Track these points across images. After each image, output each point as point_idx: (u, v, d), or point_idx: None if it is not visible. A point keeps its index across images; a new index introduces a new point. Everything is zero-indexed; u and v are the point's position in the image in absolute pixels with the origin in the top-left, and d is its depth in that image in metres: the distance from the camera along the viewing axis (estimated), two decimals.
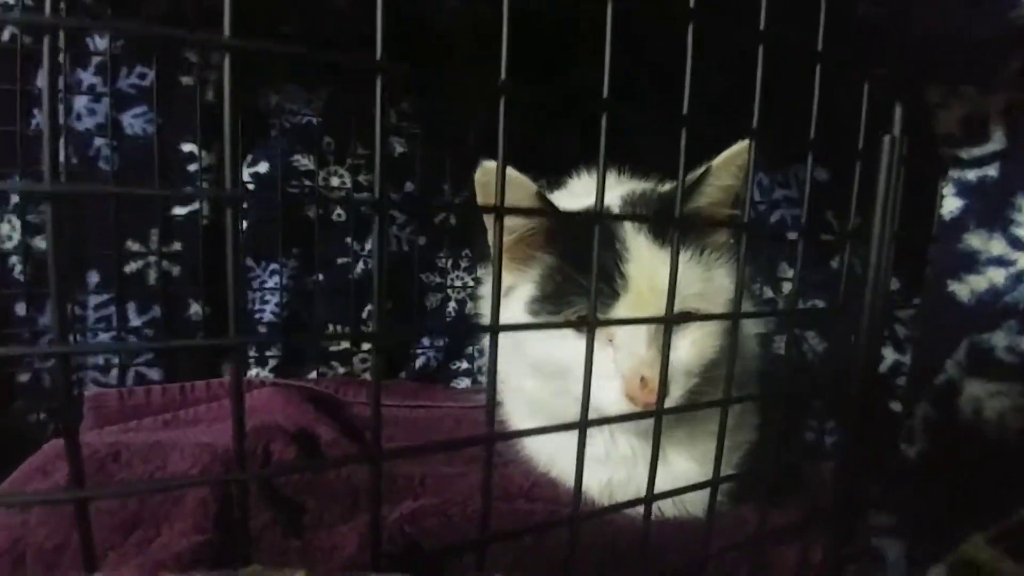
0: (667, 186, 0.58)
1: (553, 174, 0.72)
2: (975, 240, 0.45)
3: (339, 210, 0.91)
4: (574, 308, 0.48)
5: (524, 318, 0.51)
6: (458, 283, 1.01)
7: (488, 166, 0.45)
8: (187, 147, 0.80)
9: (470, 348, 1.01)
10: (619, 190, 0.59)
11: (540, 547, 0.44)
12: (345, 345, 0.93)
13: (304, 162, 0.88)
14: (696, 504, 0.55)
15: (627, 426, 0.54)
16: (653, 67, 0.79)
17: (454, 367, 1.01)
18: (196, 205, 0.81)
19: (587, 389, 0.34)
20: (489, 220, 0.51)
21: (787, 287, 0.85)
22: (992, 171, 0.47)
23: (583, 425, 0.35)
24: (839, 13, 0.38)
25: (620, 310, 0.47)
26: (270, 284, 0.88)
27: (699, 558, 0.44)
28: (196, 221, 0.81)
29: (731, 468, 0.59)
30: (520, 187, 0.46)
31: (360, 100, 0.89)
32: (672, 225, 0.35)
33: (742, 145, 0.47)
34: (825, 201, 0.75)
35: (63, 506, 0.53)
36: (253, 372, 0.88)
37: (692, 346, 0.48)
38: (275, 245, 0.86)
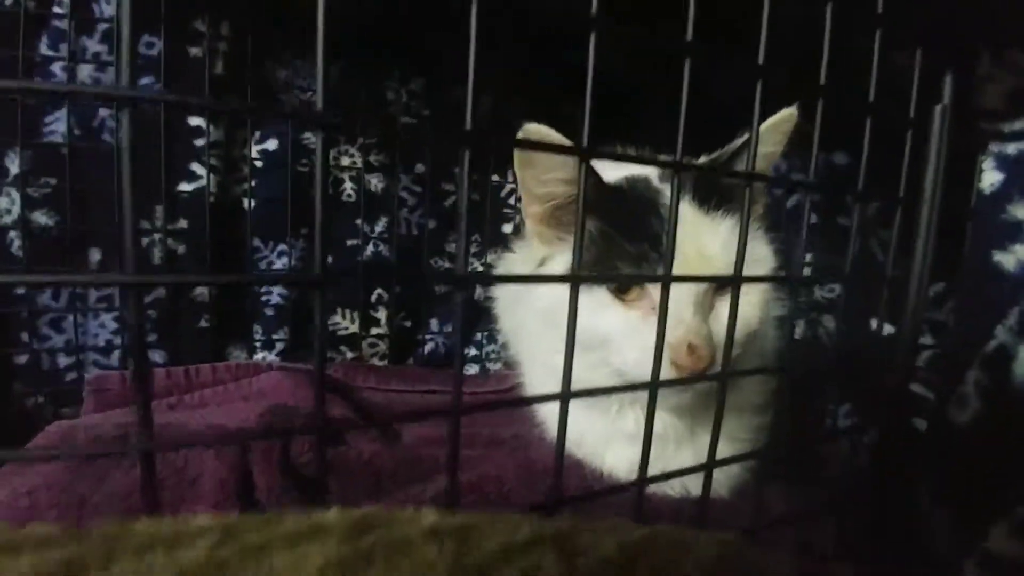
0: (703, 159, 0.57)
1: None
2: (1020, 211, 0.45)
3: (349, 191, 0.89)
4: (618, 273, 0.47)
5: (564, 289, 0.50)
6: (468, 269, 0.99)
7: (531, 128, 0.44)
8: (194, 121, 0.77)
9: (478, 335, 1.00)
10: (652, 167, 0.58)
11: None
12: (354, 330, 0.90)
13: (314, 140, 0.85)
14: (721, 483, 0.55)
15: (661, 403, 0.53)
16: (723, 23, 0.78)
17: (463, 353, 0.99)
18: (203, 182, 0.78)
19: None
20: (524, 188, 0.50)
21: (805, 272, 0.85)
22: None
23: (654, 385, 0.33)
24: None
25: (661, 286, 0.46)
26: (278, 265, 0.85)
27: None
28: (203, 198, 0.78)
29: (757, 446, 0.59)
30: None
31: (372, 73, 0.87)
32: (745, 179, 0.34)
33: (788, 112, 0.46)
34: (845, 184, 0.75)
35: (70, 493, 0.50)
36: (260, 356, 0.85)
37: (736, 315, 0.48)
38: (283, 225, 0.83)
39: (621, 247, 0.47)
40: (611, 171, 0.60)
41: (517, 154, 0.46)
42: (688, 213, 0.47)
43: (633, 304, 0.47)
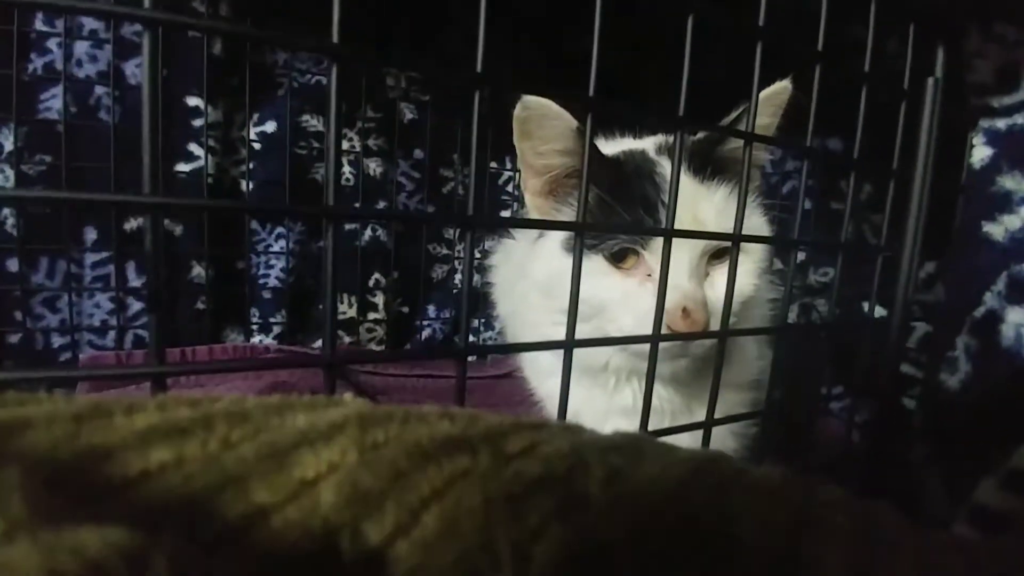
0: (699, 135, 0.58)
1: None
2: (1008, 182, 0.47)
3: (348, 175, 0.89)
4: (615, 241, 0.48)
5: (559, 256, 0.51)
6: (465, 254, 0.99)
7: (529, 100, 0.44)
8: (192, 101, 0.76)
9: (476, 321, 1.00)
10: (649, 140, 0.59)
11: None
12: (352, 315, 0.90)
13: (313, 123, 0.86)
14: None
15: (658, 375, 0.54)
16: None
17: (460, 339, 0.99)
18: (200, 163, 0.78)
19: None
20: (523, 160, 0.51)
21: (800, 256, 0.86)
22: (1021, 119, 0.48)
23: (655, 339, 0.34)
24: None
25: (663, 241, 0.47)
26: (276, 248, 0.85)
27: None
28: (201, 179, 0.78)
29: (753, 424, 0.59)
30: (560, 121, 0.45)
31: (371, 61, 0.87)
32: (746, 138, 0.35)
33: (782, 84, 0.47)
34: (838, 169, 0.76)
35: None
36: (257, 339, 0.85)
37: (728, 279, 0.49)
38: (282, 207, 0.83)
39: (619, 215, 0.47)
40: (608, 147, 0.61)
41: (516, 126, 0.46)
42: (684, 182, 0.48)
43: (629, 272, 0.48)
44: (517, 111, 0.45)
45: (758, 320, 0.58)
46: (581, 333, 0.53)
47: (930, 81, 0.45)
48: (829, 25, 0.37)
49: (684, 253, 0.45)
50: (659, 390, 0.55)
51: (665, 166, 0.51)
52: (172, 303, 0.77)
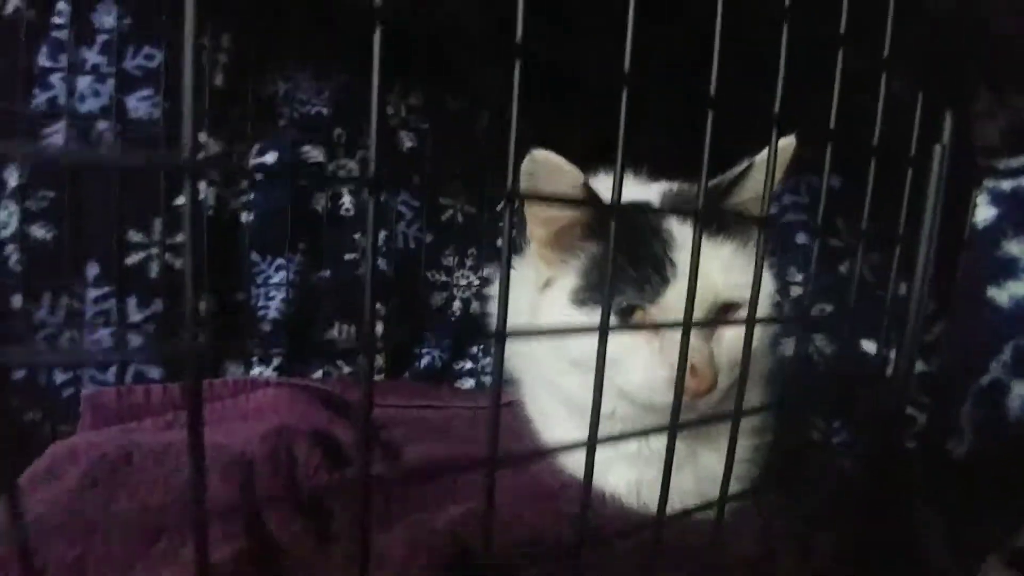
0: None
1: None
2: (1014, 248, 0.47)
3: (347, 204, 0.89)
4: (622, 296, 0.48)
5: (568, 309, 0.51)
6: (463, 282, 0.99)
7: (538, 155, 0.44)
8: None
9: (475, 348, 1.00)
10: (654, 189, 0.59)
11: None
12: (351, 344, 0.90)
13: (314, 153, 0.85)
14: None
15: (658, 420, 0.54)
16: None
17: (458, 367, 0.99)
18: (201, 195, 0.77)
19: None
20: (530, 211, 0.51)
21: (795, 291, 0.87)
22: None
23: (673, 428, 0.34)
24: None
25: (671, 297, 0.47)
26: (276, 280, 0.85)
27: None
28: (201, 211, 0.77)
29: (756, 466, 0.60)
30: (568, 176, 0.46)
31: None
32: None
33: (785, 141, 0.47)
34: (836, 207, 0.77)
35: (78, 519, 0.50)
36: (256, 371, 0.84)
37: (737, 338, 0.48)
38: (282, 239, 0.83)
39: (624, 270, 0.48)
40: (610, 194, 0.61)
41: (524, 176, 0.46)
42: (690, 238, 0.49)
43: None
44: (525, 164, 0.45)
45: (763, 367, 0.59)
46: (586, 385, 0.54)
47: (937, 148, 0.45)
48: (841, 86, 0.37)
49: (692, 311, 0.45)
50: (662, 437, 0.55)
51: (672, 221, 0.51)
52: (171, 339, 0.76)
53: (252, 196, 0.82)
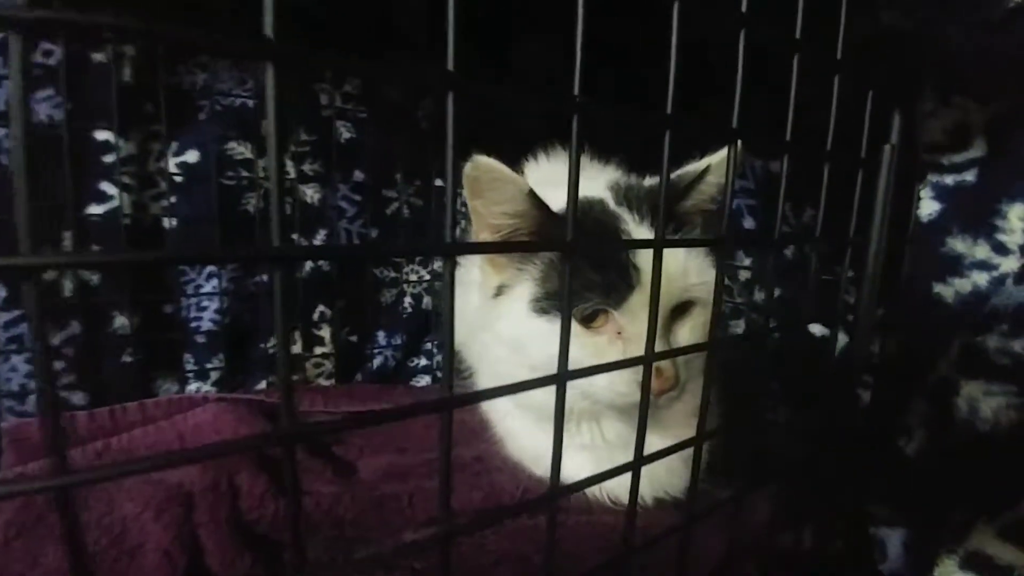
0: (651, 180, 0.57)
1: (509, 155, 0.68)
2: (959, 245, 0.48)
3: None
4: (587, 302, 0.47)
5: (527, 318, 0.49)
6: (413, 277, 0.95)
7: (480, 162, 0.42)
8: (102, 135, 0.68)
9: (429, 344, 0.97)
10: (601, 180, 0.57)
11: None
12: (296, 351, 0.86)
13: (240, 150, 0.79)
14: (676, 486, 0.56)
15: (620, 415, 0.54)
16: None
17: (413, 364, 0.96)
18: (115, 202, 0.70)
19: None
20: (475, 216, 0.48)
21: (743, 275, 0.87)
22: (970, 176, 0.49)
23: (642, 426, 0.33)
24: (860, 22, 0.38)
25: (635, 301, 0.46)
26: (207, 288, 0.79)
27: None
28: (116, 221, 0.70)
29: (706, 452, 0.61)
30: (511, 184, 0.44)
31: (304, 79, 0.81)
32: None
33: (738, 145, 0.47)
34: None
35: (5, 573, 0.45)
36: (193, 387, 0.79)
37: (692, 333, 0.49)
38: (211, 244, 0.77)
39: (588, 276, 0.46)
40: (558, 191, 0.59)
41: (467, 185, 0.44)
42: (646, 236, 0.48)
43: (599, 330, 0.48)
44: (467, 170, 0.43)
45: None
46: (550, 388, 0.52)
47: (886, 148, 0.45)
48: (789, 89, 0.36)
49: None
50: (615, 425, 0.55)
51: (629, 222, 0.50)
52: (94, 360, 0.70)
53: (173, 200, 0.75)
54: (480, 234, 0.50)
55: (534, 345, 0.49)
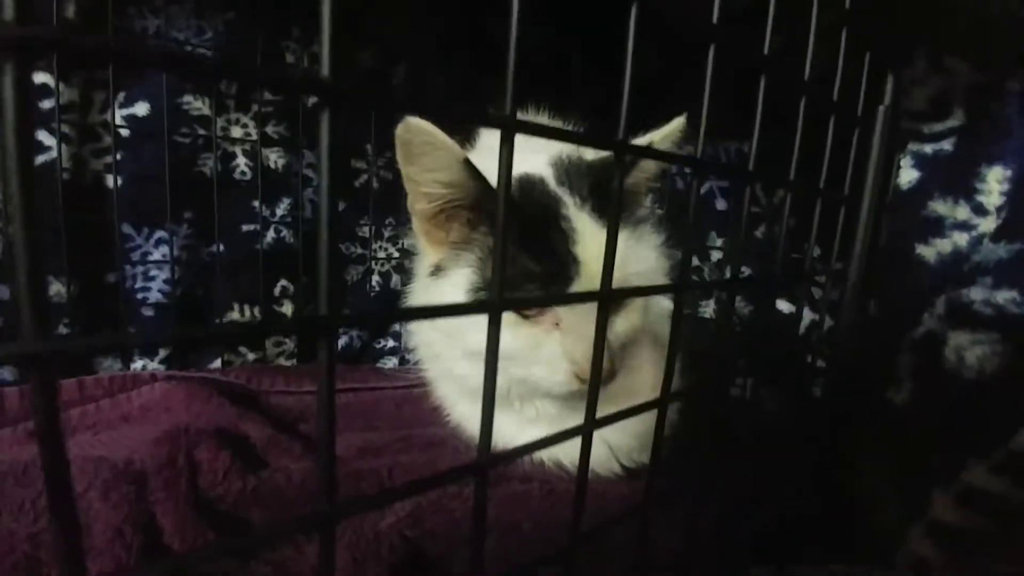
0: (592, 154, 0.55)
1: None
2: (940, 207, 0.49)
3: (243, 167, 0.77)
4: (523, 294, 0.44)
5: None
6: (382, 254, 0.91)
7: (412, 123, 0.39)
8: (39, 78, 0.61)
9: (396, 325, 0.93)
10: (542, 156, 0.55)
11: None
12: None
13: (197, 105, 0.73)
14: (603, 464, 0.55)
15: (558, 398, 0.52)
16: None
17: (379, 345, 0.92)
18: (52, 153, 0.63)
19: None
20: (408, 181, 0.45)
21: (715, 255, 0.89)
22: (947, 145, 0.51)
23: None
24: None
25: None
26: (156, 256, 0.72)
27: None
28: (53, 175, 0.63)
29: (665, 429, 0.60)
30: (444, 151, 0.41)
31: (269, 30, 0.75)
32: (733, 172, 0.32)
33: (678, 122, 0.46)
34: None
35: None
36: (138, 365, 0.72)
37: (626, 322, 0.49)
38: (162, 208, 0.70)
39: (525, 265, 0.44)
40: (493, 162, 0.57)
41: (399, 148, 0.40)
42: (588, 224, 0.46)
43: (536, 321, 0.46)
44: (399, 131, 0.39)
45: (656, 320, 0.58)
46: (479, 372, 0.50)
47: (881, 109, 0.46)
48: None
49: (590, 303, 0.43)
50: (555, 403, 0.53)
51: (570, 205, 0.47)
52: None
53: (119, 156, 0.68)
54: (416, 204, 0.47)
55: (472, 333, 0.47)
